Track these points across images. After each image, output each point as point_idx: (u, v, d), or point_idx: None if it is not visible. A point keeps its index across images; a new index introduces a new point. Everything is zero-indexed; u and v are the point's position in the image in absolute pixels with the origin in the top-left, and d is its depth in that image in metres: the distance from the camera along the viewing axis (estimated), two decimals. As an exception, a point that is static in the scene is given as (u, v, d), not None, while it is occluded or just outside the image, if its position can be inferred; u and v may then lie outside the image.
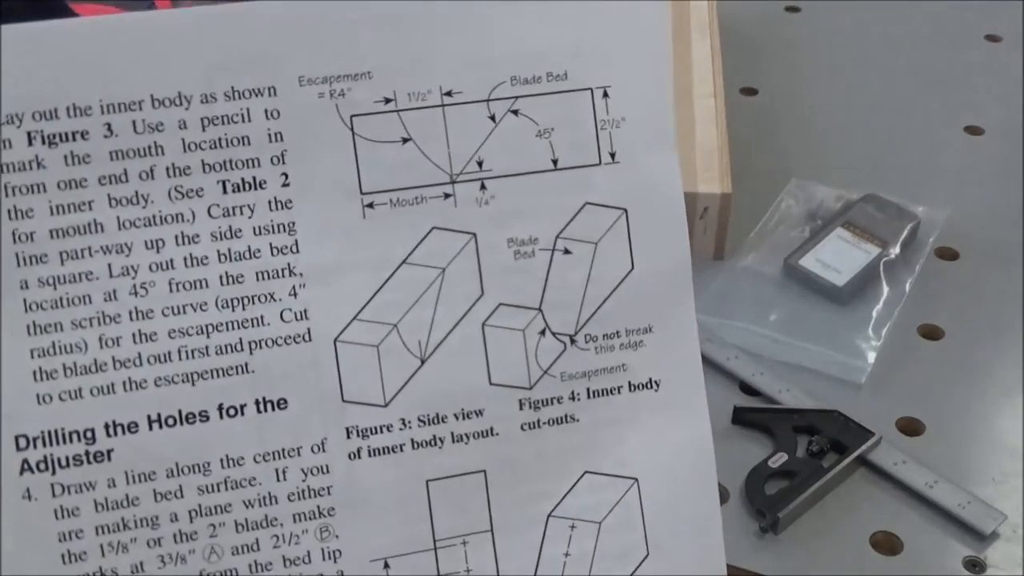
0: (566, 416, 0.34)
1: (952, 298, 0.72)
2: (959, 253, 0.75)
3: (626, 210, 0.34)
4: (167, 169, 0.32)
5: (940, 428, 0.64)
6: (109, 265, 0.31)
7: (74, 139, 0.31)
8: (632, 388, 0.34)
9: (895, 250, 0.73)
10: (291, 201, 0.32)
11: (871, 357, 0.67)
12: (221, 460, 0.32)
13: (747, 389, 0.66)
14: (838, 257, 0.72)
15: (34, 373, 0.31)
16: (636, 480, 0.34)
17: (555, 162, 0.34)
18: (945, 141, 0.85)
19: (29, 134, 0.31)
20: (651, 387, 0.34)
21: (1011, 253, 0.75)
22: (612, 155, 0.34)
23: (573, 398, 0.34)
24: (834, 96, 0.89)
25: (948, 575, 0.56)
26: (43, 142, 0.31)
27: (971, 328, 0.70)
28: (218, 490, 0.32)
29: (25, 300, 0.31)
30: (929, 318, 0.70)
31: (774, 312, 0.70)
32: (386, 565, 0.33)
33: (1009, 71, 0.92)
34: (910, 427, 0.64)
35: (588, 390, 0.34)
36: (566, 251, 0.34)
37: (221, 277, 0.32)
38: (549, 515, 0.34)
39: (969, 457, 0.62)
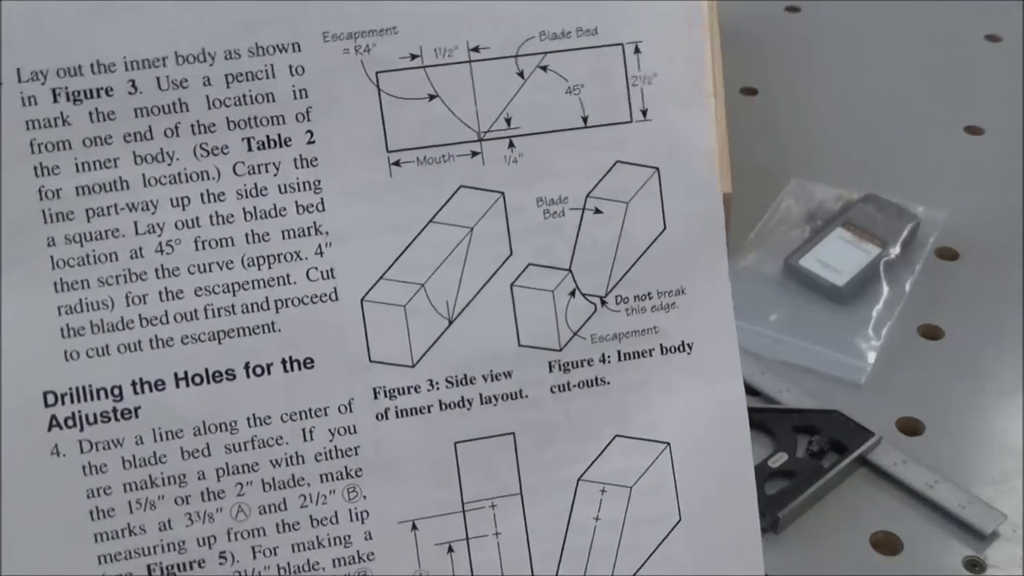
0: (596, 379, 0.34)
1: (952, 298, 0.72)
2: (959, 253, 0.75)
3: (658, 169, 0.34)
4: (192, 126, 0.31)
5: (940, 428, 0.64)
6: (135, 223, 0.31)
7: (99, 96, 0.31)
8: (664, 351, 0.34)
9: (895, 250, 0.73)
10: (316, 159, 0.32)
11: (871, 357, 0.67)
12: (248, 419, 0.32)
13: (747, 389, 0.66)
14: (838, 257, 0.72)
15: (61, 330, 0.31)
16: (668, 444, 0.34)
17: (585, 119, 0.33)
18: (945, 141, 0.85)
19: (54, 91, 0.31)
20: (683, 350, 0.34)
21: (1011, 253, 0.75)
22: (644, 112, 0.33)
23: (604, 360, 0.34)
24: (834, 96, 0.89)
25: (948, 575, 0.56)
26: (68, 99, 0.31)
27: (971, 328, 0.70)
28: (245, 449, 0.32)
29: (52, 257, 0.31)
30: (929, 318, 0.70)
31: (774, 312, 0.70)
32: (414, 527, 0.33)
33: (1009, 71, 0.92)
34: (910, 427, 0.64)
35: (619, 352, 0.34)
36: (596, 211, 0.33)
37: (247, 235, 0.32)
38: (579, 479, 0.33)
39: (969, 457, 0.62)
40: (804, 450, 0.61)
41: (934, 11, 0.98)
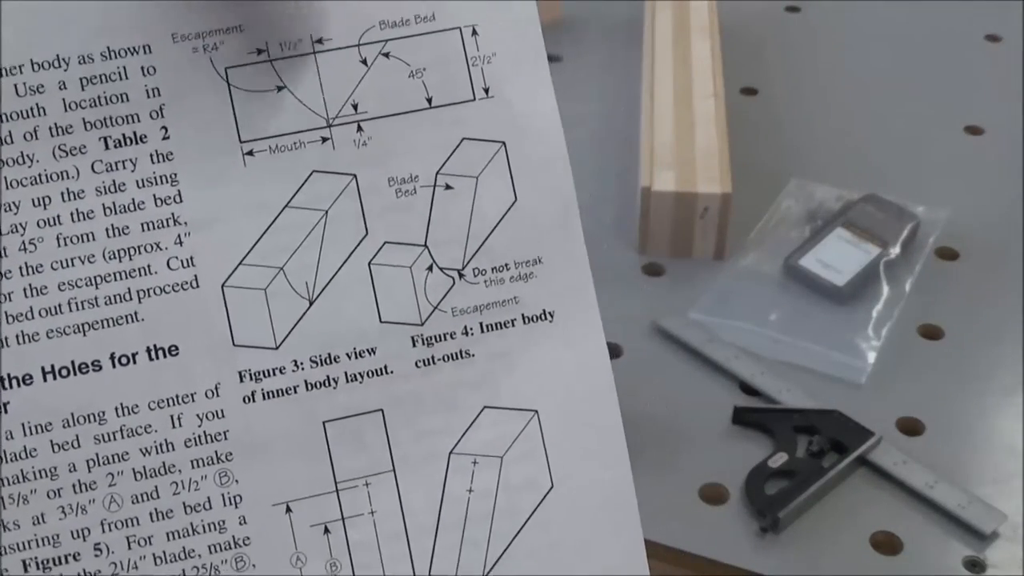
0: (461, 351, 0.34)
1: (952, 298, 0.72)
2: (959, 253, 0.75)
3: (504, 143, 0.35)
4: (50, 129, 0.33)
5: (940, 428, 0.64)
6: None
7: None
8: (526, 320, 0.34)
9: (895, 250, 0.73)
10: (172, 153, 0.33)
11: (871, 357, 0.67)
12: (116, 409, 0.33)
13: (747, 389, 0.66)
14: (838, 257, 0.72)
15: None
16: (536, 412, 0.34)
17: (429, 100, 0.34)
18: (945, 141, 0.85)
19: None
20: (545, 318, 0.35)
21: (1011, 253, 0.75)
22: (486, 90, 0.35)
23: (466, 333, 0.34)
24: (834, 96, 0.89)
25: (948, 575, 0.56)
26: None
27: (971, 328, 0.70)
28: (114, 439, 0.33)
29: None
30: (929, 318, 0.71)
31: (774, 312, 0.70)
32: (288, 509, 0.33)
33: (1009, 71, 0.92)
34: (910, 427, 0.64)
35: (481, 324, 0.34)
36: (447, 187, 0.34)
37: (107, 230, 0.33)
38: (451, 452, 0.34)
39: (969, 457, 0.62)
40: (804, 450, 0.62)
41: (934, 11, 0.98)
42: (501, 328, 0.34)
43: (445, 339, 0.34)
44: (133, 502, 0.32)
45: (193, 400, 0.33)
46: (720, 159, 0.74)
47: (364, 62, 0.34)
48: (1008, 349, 0.69)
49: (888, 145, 0.84)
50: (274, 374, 0.33)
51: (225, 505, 0.33)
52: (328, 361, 0.34)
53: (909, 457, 0.61)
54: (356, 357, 0.34)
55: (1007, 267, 0.74)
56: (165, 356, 0.33)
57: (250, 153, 0.33)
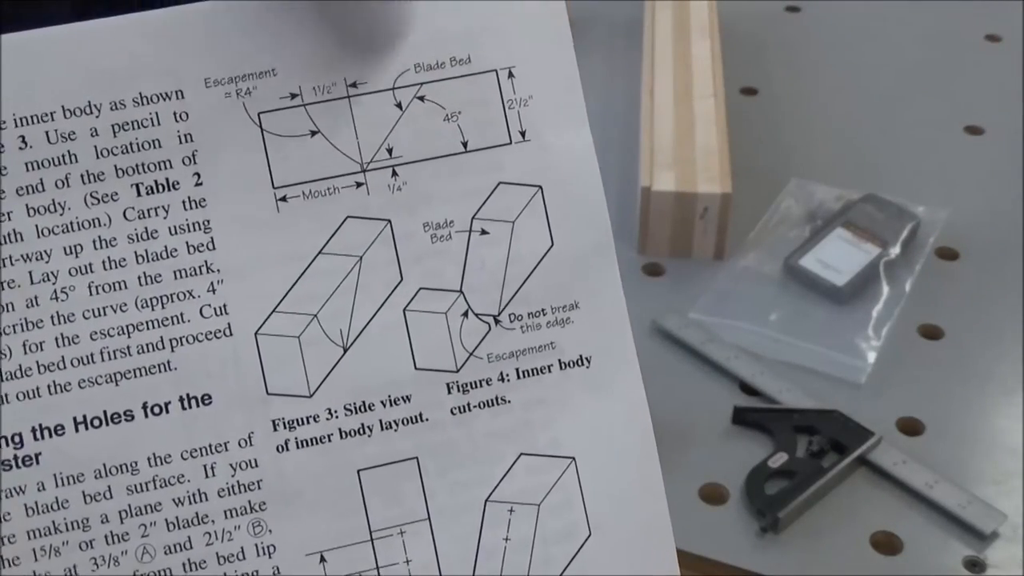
0: (496, 398, 0.34)
1: (952, 298, 0.72)
2: (959, 253, 0.75)
3: (541, 187, 0.34)
4: (82, 176, 0.32)
5: (940, 428, 0.64)
6: (30, 272, 0.32)
7: None
8: (563, 366, 0.34)
9: (895, 250, 0.73)
10: (205, 200, 0.33)
11: (871, 357, 0.67)
12: (148, 459, 0.32)
13: (747, 389, 0.66)
14: (838, 257, 0.72)
15: None
16: (573, 459, 0.34)
17: (465, 144, 0.34)
18: (945, 141, 0.85)
19: None
20: (582, 364, 0.34)
21: (1011, 253, 0.75)
22: (522, 134, 0.34)
23: (502, 379, 0.34)
24: (834, 96, 0.89)
25: (948, 575, 0.56)
26: None
27: (971, 328, 0.70)
28: (147, 489, 0.32)
29: None
30: (929, 318, 0.71)
31: (774, 312, 0.70)
32: (322, 559, 0.33)
33: (1009, 71, 0.92)
34: (910, 427, 0.64)
35: (517, 370, 0.34)
36: (483, 231, 0.34)
37: (139, 278, 0.32)
38: (486, 500, 0.33)
39: (969, 457, 0.62)
40: (804, 450, 0.61)
41: (934, 11, 0.98)
42: (537, 374, 0.34)
43: (480, 386, 0.34)
44: (166, 553, 0.32)
45: (226, 449, 0.32)
46: (720, 159, 0.74)
47: (399, 106, 0.33)
48: (1008, 349, 0.69)
49: (888, 145, 0.84)
50: (308, 423, 0.33)
51: (259, 555, 0.32)
52: (362, 409, 0.33)
53: (909, 457, 0.61)
54: (391, 405, 0.33)
55: (1007, 267, 0.74)
56: (198, 405, 0.32)
57: (283, 199, 0.33)
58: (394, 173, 0.33)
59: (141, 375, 0.32)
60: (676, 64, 0.84)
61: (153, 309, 0.32)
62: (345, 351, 0.33)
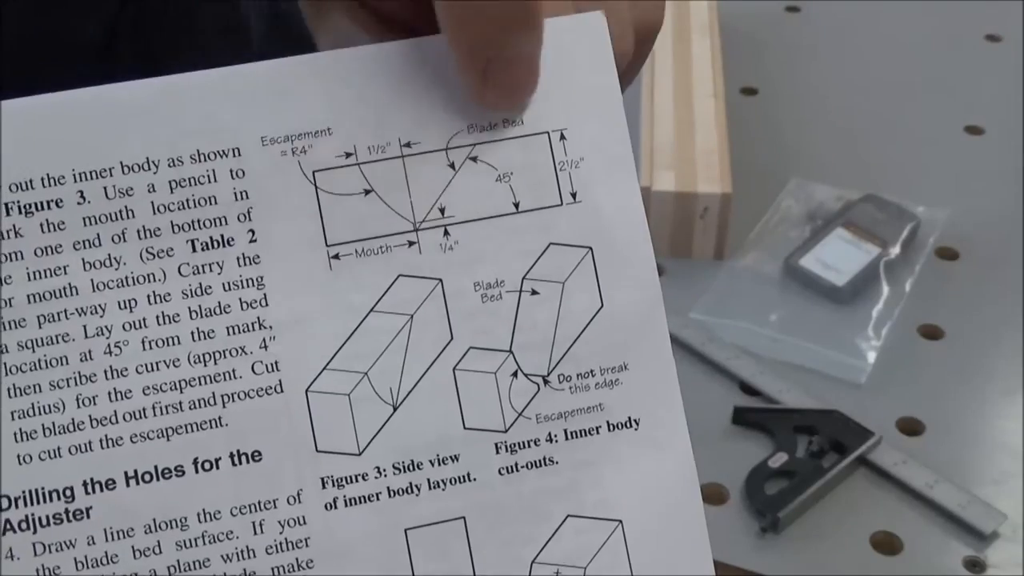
0: (544, 459, 0.34)
1: (952, 298, 0.72)
2: (959, 253, 0.75)
3: (591, 248, 0.34)
4: (138, 231, 0.33)
5: (940, 428, 0.64)
6: (84, 326, 0.32)
7: (49, 208, 0.32)
8: (611, 428, 0.34)
9: (895, 250, 0.73)
10: (259, 256, 0.33)
11: (871, 357, 0.67)
12: (198, 515, 0.32)
13: (747, 389, 0.66)
14: (838, 257, 0.72)
15: (14, 435, 0.32)
16: (620, 522, 0.34)
17: (516, 205, 0.34)
18: (945, 141, 0.85)
19: (7, 205, 0.32)
20: (630, 426, 0.34)
21: (1011, 253, 0.75)
22: (573, 195, 0.34)
23: (551, 440, 0.34)
24: (834, 96, 0.89)
25: (948, 575, 0.56)
26: (20, 212, 0.32)
27: (971, 328, 0.70)
28: (196, 545, 0.32)
29: (5, 364, 0.32)
30: (929, 318, 0.71)
31: (774, 312, 0.70)
32: None
33: (1009, 71, 0.92)
34: (910, 427, 0.64)
35: (565, 431, 0.34)
36: (533, 292, 0.34)
37: (192, 333, 0.33)
38: (533, 561, 0.33)
39: (969, 457, 0.62)
40: (804, 450, 0.62)
41: (934, 11, 0.98)
42: (585, 436, 0.34)
43: (529, 446, 0.34)
44: None
45: (275, 506, 0.32)
46: (720, 159, 0.74)
47: (452, 166, 0.34)
48: (1008, 349, 0.69)
49: (888, 145, 0.84)
50: (356, 480, 0.33)
51: None
52: (411, 468, 0.33)
53: (909, 457, 0.61)
54: (439, 464, 0.33)
55: (1007, 267, 0.74)
56: (248, 462, 0.32)
57: (336, 256, 0.33)
58: (446, 232, 0.34)
59: (192, 431, 0.32)
60: (676, 64, 0.84)
61: (205, 365, 0.32)
62: (395, 409, 0.33)
